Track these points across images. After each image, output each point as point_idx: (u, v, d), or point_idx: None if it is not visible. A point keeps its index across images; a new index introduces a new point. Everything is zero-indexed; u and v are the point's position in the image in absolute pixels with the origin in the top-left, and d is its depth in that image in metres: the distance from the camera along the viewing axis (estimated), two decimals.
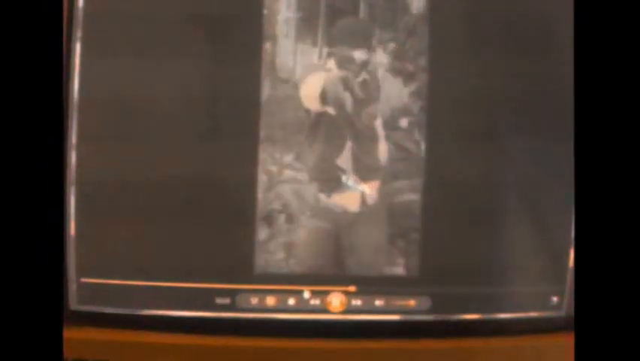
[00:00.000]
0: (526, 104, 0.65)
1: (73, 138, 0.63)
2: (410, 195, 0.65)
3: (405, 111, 0.65)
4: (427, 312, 0.66)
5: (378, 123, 0.65)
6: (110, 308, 0.65)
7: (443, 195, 0.66)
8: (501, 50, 0.65)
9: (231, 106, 0.64)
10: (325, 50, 0.64)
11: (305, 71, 0.64)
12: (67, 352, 0.57)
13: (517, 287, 0.68)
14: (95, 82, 0.63)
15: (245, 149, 0.64)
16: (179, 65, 0.64)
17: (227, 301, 0.65)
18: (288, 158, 0.65)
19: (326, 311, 0.66)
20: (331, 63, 0.64)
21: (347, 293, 0.66)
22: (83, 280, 0.65)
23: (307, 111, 0.64)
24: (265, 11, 0.64)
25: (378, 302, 0.66)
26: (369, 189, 0.65)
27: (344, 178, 0.65)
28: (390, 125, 0.65)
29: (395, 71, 0.64)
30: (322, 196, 0.65)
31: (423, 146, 0.65)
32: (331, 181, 0.65)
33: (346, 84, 0.64)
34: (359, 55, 0.64)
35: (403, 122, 0.65)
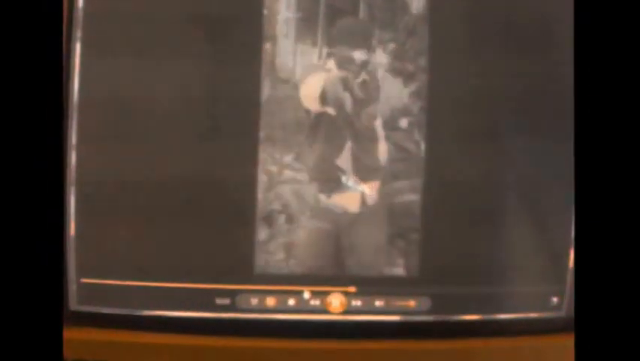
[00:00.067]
0: (526, 104, 0.65)
1: (73, 138, 0.63)
2: (410, 195, 0.65)
3: (405, 111, 0.65)
4: (427, 313, 0.66)
5: (378, 123, 0.65)
6: (109, 309, 0.65)
7: (443, 196, 0.66)
8: (501, 50, 0.65)
9: (231, 106, 0.64)
10: (325, 50, 0.64)
11: (305, 71, 0.64)
12: (67, 352, 0.57)
13: (517, 288, 0.68)
14: (95, 82, 0.63)
15: (245, 149, 0.64)
16: (179, 65, 0.64)
17: (227, 301, 0.65)
18: (288, 158, 0.65)
19: (326, 312, 0.66)
20: (331, 63, 0.64)
21: (347, 294, 0.66)
22: (83, 280, 0.65)
23: (307, 111, 0.64)
24: (265, 11, 0.63)
25: (378, 303, 0.66)
26: (369, 190, 0.65)
27: (344, 178, 0.65)
28: (390, 125, 0.65)
29: (395, 71, 0.64)
30: (322, 196, 0.65)
31: (423, 146, 0.65)
32: (331, 181, 0.65)
33: (346, 84, 0.64)
34: (359, 55, 0.64)
35: (403, 123, 0.65)
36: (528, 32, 0.65)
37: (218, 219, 0.65)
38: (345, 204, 0.65)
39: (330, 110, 0.64)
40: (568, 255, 0.67)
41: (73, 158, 0.63)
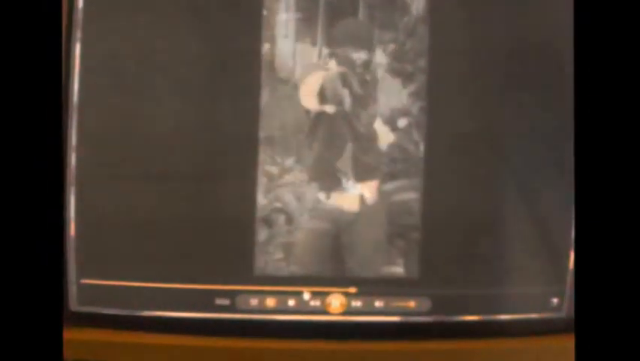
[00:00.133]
0: (525, 104, 0.65)
1: (73, 138, 0.63)
2: (409, 193, 0.65)
3: (404, 112, 0.65)
4: (426, 313, 0.66)
5: (378, 124, 0.65)
6: (110, 309, 0.65)
7: (442, 197, 0.66)
8: (500, 51, 0.65)
9: (231, 106, 0.64)
10: (324, 51, 0.64)
11: (304, 71, 0.64)
12: (68, 353, 0.57)
13: (517, 289, 0.68)
14: (95, 83, 0.63)
15: (245, 149, 0.64)
16: (179, 67, 0.64)
17: (227, 302, 0.65)
18: (288, 159, 0.65)
19: (326, 313, 0.66)
20: (331, 63, 0.64)
21: (347, 294, 0.66)
22: (83, 281, 0.65)
23: (307, 112, 0.64)
24: (264, 12, 0.64)
25: (378, 303, 0.66)
26: (369, 190, 0.65)
27: (343, 179, 0.65)
28: (390, 125, 0.65)
29: (394, 71, 0.64)
30: (322, 197, 0.65)
31: (422, 146, 0.65)
32: (331, 182, 0.65)
33: (345, 81, 0.64)
34: (358, 55, 0.64)
35: (402, 123, 0.65)
36: (528, 33, 0.65)
37: (218, 220, 0.65)
38: (345, 204, 0.65)
39: (330, 109, 0.64)
40: (568, 256, 0.67)
41: (73, 158, 0.63)
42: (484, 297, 0.67)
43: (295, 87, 0.64)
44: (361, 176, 0.65)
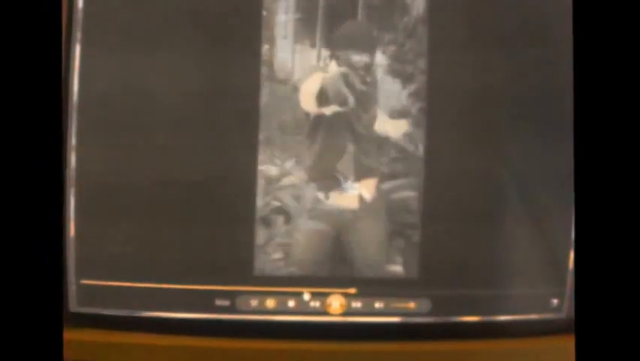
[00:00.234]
0: (525, 104, 0.65)
1: (73, 138, 0.63)
2: (408, 192, 0.65)
3: (404, 112, 0.65)
4: (426, 314, 0.66)
5: (377, 124, 0.65)
6: (109, 310, 0.65)
7: (442, 197, 0.66)
8: (500, 51, 0.65)
9: (231, 107, 0.64)
10: (324, 51, 0.64)
11: (304, 72, 0.64)
12: (67, 353, 0.57)
13: (517, 289, 0.67)
14: (95, 83, 0.63)
15: (244, 150, 0.64)
16: (178, 67, 0.64)
17: (226, 303, 0.65)
18: (287, 159, 0.65)
19: (326, 313, 0.66)
20: (330, 64, 0.64)
21: (347, 295, 0.66)
22: (83, 281, 0.65)
23: (306, 112, 0.64)
24: (264, 12, 0.64)
25: (378, 304, 0.66)
26: (369, 190, 0.65)
27: (343, 179, 0.65)
28: (390, 126, 0.65)
29: (394, 72, 0.65)
30: (321, 197, 0.65)
31: (421, 147, 0.65)
32: (330, 182, 0.65)
33: (347, 81, 0.64)
34: (358, 56, 0.64)
35: (402, 123, 0.65)
36: (527, 33, 0.65)
37: (218, 221, 0.65)
38: (345, 205, 0.65)
39: (329, 111, 0.64)
40: (568, 256, 0.67)
41: (72, 159, 0.63)
42: (484, 298, 0.67)
43: (294, 88, 0.64)
44: (361, 176, 0.65)
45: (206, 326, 0.65)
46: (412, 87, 0.65)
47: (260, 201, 0.65)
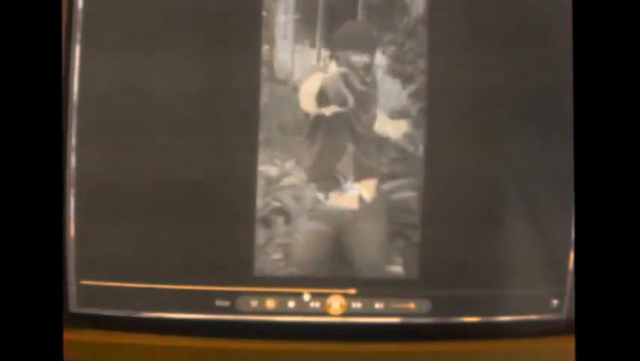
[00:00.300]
0: (524, 104, 0.65)
1: (73, 139, 0.63)
2: (408, 192, 0.65)
3: (404, 113, 0.65)
4: (426, 315, 0.66)
5: (377, 124, 0.65)
6: (109, 311, 0.65)
7: (442, 197, 0.66)
8: (500, 51, 0.65)
9: (231, 107, 0.64)
10: (324, 52, 0.64)
11: (303, 72, 0.64)
12: (67, 354, 0.57)
13: (517, 290, 0.67)
14: (95, 83, 0.63)
15: (244, 150, 0.64)
16: (178, 67, 0.64)
17: (226, 303, 0.65)
18: (287, 159, 0.65)
19: (326, 314, 0.66)
20: (330, 65, 0.64)
21: (347, 296, 0.66)
22: (83, 282, 0.65)
23: (306, 113, 0.64)
24: (264, 13, 0.64)
25: (378, 305, 0.66)
26: (368, 191, 0.65)
27: (343, 180, 0.65)
28: (389, 126, 0.65)
29: (394, 72, 0.65)
30: (321, 198, 0.65)
31: (421, 147, 0.65)
32: (330, 183, 0.65)
33: (346, 81, 0.64)
34: (358, 57, 0.64)
35: (402, 124, 0.65)
36: (527, 33, 0.65)
37: (218, 221, 0.64)
38: (344, 205, 0.65)
39: (329, 111, 0.64)
40: (568, 257, 0.67)
41: (72, 159, 0.63)
42: (484, 298, 0.67)
43: (294, 88, 0.64)
44: (361, 176, 0.65)
45: (206, 326, 0.65)
46: (411, 87, 0.65)
47: (260, 202, 0.65)
